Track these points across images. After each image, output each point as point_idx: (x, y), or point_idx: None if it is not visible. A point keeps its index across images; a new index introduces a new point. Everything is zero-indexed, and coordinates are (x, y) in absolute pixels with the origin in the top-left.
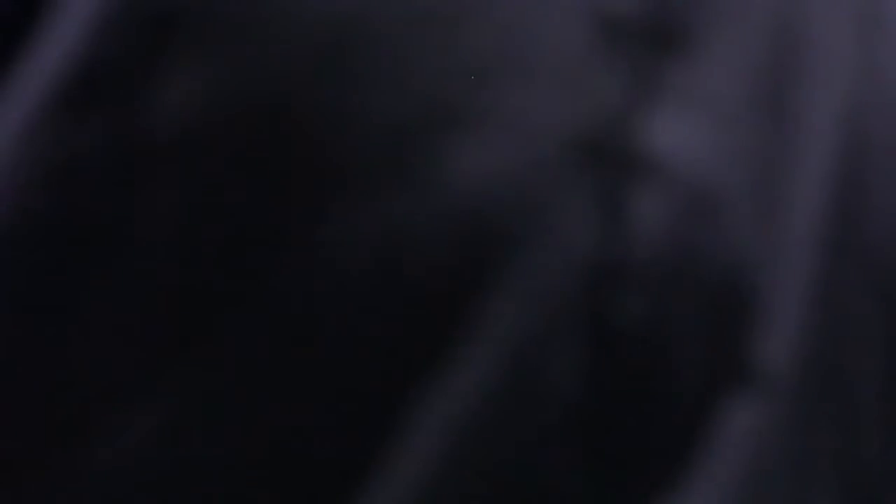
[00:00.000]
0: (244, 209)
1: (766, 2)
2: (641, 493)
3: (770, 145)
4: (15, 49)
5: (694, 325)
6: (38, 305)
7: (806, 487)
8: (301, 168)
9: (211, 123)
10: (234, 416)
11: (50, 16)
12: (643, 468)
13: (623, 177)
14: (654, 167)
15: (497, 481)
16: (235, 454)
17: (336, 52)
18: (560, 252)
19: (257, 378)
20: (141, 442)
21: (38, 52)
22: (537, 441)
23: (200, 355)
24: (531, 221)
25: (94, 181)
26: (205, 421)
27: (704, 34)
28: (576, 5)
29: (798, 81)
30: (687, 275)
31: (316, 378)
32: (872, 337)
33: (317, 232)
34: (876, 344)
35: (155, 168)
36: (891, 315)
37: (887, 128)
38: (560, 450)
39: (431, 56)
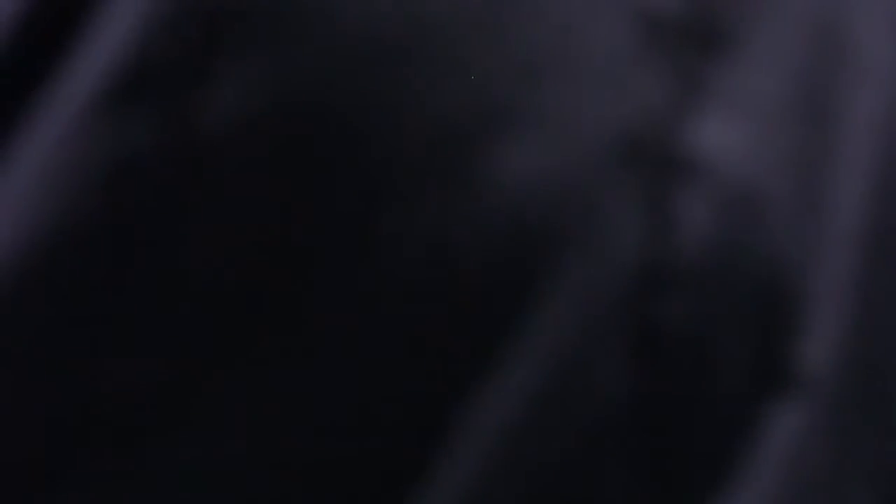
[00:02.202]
0: (295, 210)
1: (806, 4)
2: (686, 497)
3: (811, 146)
4: (63, 47)
5: (738, 327)
6: (88, 310)
7: (846, 491)
8: (351, 168)
9: (262, 122)
10: (282, 419)
11: (99, 12)
12: (688, 472)
13: (668, 178)
14: (698, 169)
15: (543, 484)
16: (283, 455)
17: (386, 52)
18: (606, 254)
19: (307, 379)
20: (187, 444)
21: (87, 50)
22: (582, 444)
23: (250, 357)
24: (578, 223)
25: (145, 182)
26: (252, 423)
27: (747, 35)
28: (621, 6)
29: (839, 83)
30: (731, 277)
31: (365, 380)
32: None
33: (367, 233)
34: None
35: (207, 168)
36: None
37: None
38: (605, 453)
39: (481, 56)
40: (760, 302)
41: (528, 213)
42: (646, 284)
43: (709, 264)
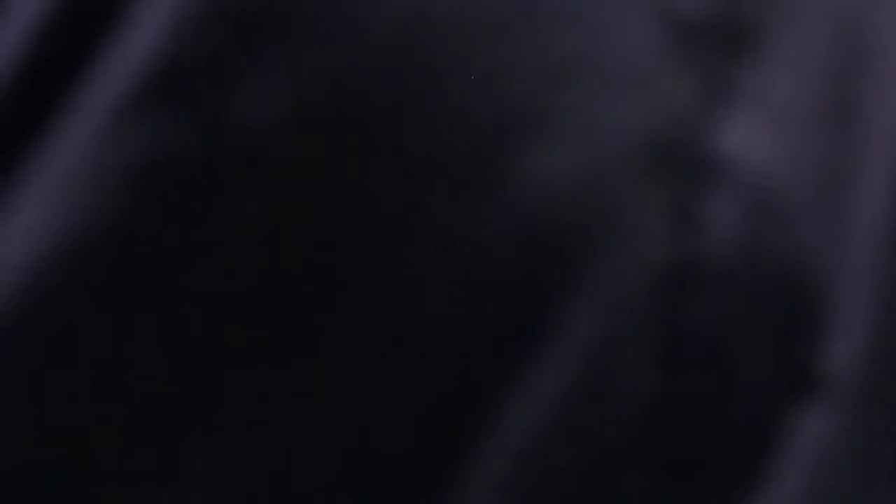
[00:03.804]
0: (323, 212)
1: (831, 6)
2: (710, 499)
3: (836, 149)
4: (91, 48)
5: (763, 330)
6: (117, 312)
7: (871, 493)
8: (380, 170)
9: (296, 124)
10: (318, 416)
11: (127, 14)
12: (712, 474)
13: (694, 181)
14: (724, 172)
15: (568, 487)
16: (318, 454)
17: (416, 54)
18: (632, 256)
19: (343, 380)
20: (226, 442)
21: (115, 52)
22: (606, 447)
23: (281, 356)
24: (605, 226)
25: (174, 185)
26: (288, 420)
27: (772, 38)
28: (647, 9)
29: (863, 85)
30: (756, 280)
31: (397, 380)
32: None
33: (400, 235)
34: None
35: (236, 170)
36: None
37: None
38: (630, 454)
39: (509, 59)
40: (785, 305)
41: (555, 216)
42: (671, 287)
43: (734, 267)
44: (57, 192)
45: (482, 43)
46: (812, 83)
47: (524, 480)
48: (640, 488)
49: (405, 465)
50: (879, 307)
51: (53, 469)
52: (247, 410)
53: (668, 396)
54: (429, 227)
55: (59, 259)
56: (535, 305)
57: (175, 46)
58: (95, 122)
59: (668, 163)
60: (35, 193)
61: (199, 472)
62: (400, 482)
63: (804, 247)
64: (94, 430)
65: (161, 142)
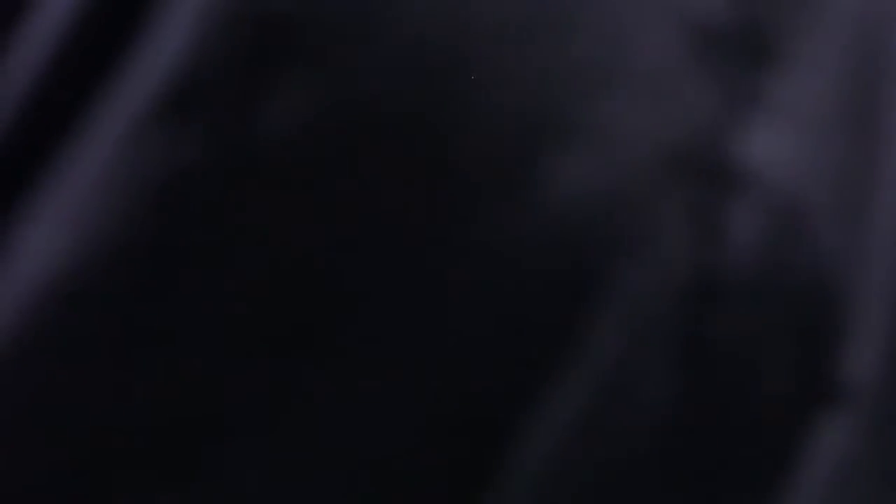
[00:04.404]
0: (354, 222)
1: (852, 11)
2: None
3: (858, 158)
4: (114, 56)
5: (784, 339)
6: (141, 325)
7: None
8: (405, 180)
9: (322, 133)
10: (346, 427)
11: (151, 21)
12: (734, 483)
13: (717, 191)
14: (747, 181)
15: (593, 492)
16: (351, 460)
17: (441, 61)
18: (657, 266)
19: (370, 385)
20: (250, 447)
21: (140, 59)
22: (631, 455)
23: (309, 367)
24: (629, 235)
25: (198, 195)
26: (314, 425)
27: (794, 46)
28: (670, 17)
29: (884, 94)
30: (779, 289)
31: (420, 387)
32: None
33: (426, 244)
34: None
35: (263, 182)
36: None
37: None
38: (653, 463)
39: (533, 67)
40: (807, 313)
41: (579, 225)
42: (694, 296)
43: (757, 276)
44: (77, 203)
45: (507, 52)
46: (834, 90)
47: (549, 489)
48: (663, 497)
49: (429, 474)
50: None
51: (77, 473)
52: (272, 416)
53: (690, 405)
54: (455, 235)
55: (79, 270)
56: (560, 314)
57: (196, 56)
58: (116, 132)
59: (692, 172)
60: (56, 203)
61: (224, 476)
62: (425, 492)
63: (827, 256)
64: (115, 435)
65: (182, 152)
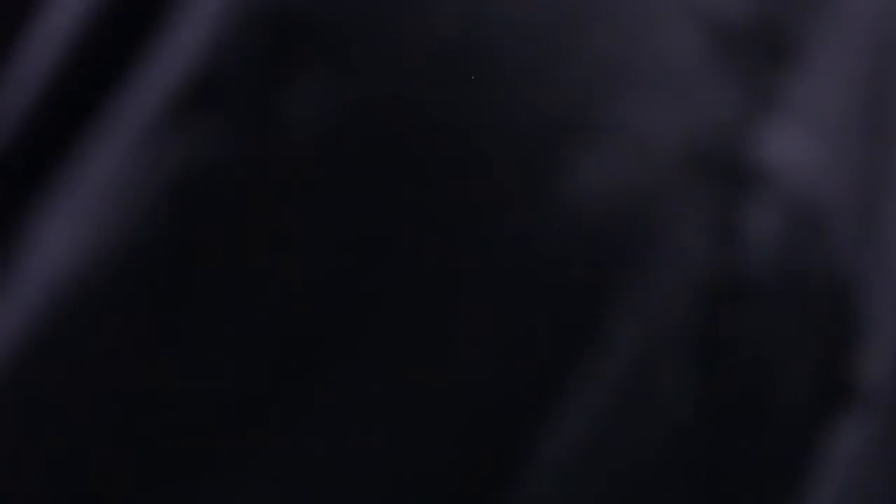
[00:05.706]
0: (375, 220)
1: (870, 10)
2: None
3: (876, 159)
4: (132, 53)
5: (802, 341)
6: (163, 323)
7: None
8: (425, 180)
9: (342, 131)
10: (369, 427)
11: (172, 17)
12: (752, 485)
13: (737, 192)
14: (767, 182)
15: (611, 494)
16: (372, 462)
17: (461, 62)
18: (675, 269)
19: (392, 390)
20: (273, 448)
21: (160, 55)
22: (649, 457)
23: (330, 367)
24: (648, 238)
25: (216, 195)
26: (338, 426)
27: (813, 47)
28: (690, 17)
29: None
30: (797, 291)
31: (449, 388)
32: None
33: (446, 243)
34: None
35: (284, 179)
36: None
37: None
38: (671, 465)
39: (553, 68)
40: (825, 316)
41: (600, 224)
42: (713, 297)
43: (775, 277)
44: (95, 201)
45: (530, 51)
46: (853, 90)
47: (568, 490)
48: (682, 495)
49: (449, 477)
50: None
51: (92, 473)
52: (290, 417)
53: (709, 407)
54: (475, 234)
55: (96, 268)
56: (581, 312)
57: (216, 54)
58: (134, 129)
59: (712, 171)
60: (73, 202)
61: (237, 477)
62: (445, 494)
63: (845, 257)
64: (131, 434)
65: (201, 151)
